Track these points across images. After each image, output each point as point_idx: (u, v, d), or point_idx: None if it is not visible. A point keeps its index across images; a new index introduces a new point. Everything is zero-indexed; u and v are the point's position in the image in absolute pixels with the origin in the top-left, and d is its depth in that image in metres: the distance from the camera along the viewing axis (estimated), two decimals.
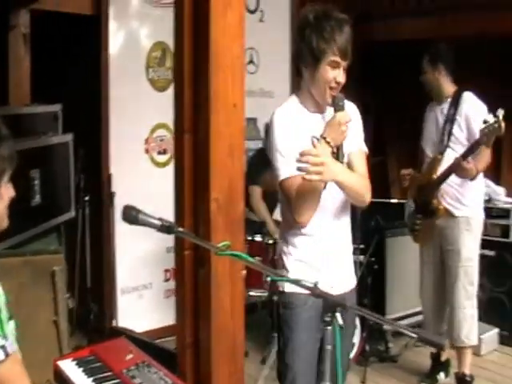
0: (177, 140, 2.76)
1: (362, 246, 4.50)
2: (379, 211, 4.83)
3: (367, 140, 2.64)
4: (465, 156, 3.73)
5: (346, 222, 2.57)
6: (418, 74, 4.15)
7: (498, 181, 5.28)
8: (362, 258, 4.50)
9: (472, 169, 3.77)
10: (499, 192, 5.16)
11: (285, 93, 5.91)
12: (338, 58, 2.36)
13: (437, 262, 4.15)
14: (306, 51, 2.39)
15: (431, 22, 5.38)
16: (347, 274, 2.58)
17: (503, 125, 3.47)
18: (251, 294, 4.40)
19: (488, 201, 4.87)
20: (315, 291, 1.78)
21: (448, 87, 4.08)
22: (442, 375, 4.28)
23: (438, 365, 4.29)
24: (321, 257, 2.46)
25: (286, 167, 2.38)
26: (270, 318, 4.59)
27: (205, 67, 2.55)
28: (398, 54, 5.70)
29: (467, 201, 4.00)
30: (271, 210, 4.95)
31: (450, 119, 3.98)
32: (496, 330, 4.74)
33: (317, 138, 2.40)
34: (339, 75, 2.39)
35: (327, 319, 1.83)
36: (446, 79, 4.07)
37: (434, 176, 3.97)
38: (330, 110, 2.45)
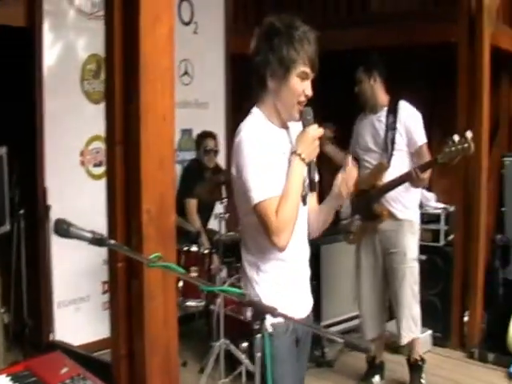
0: (108, 152, 2.77)
1: None
2: None
3: None
4: (422, 168, 3.89)
5: (307, 240, 2.47)
6: (348, 84, 4.28)
7: (428, 187, 5.46)
8: None
9: (427, 179, 4.01)
10: (430, 198, 5.35)
11: (220, 104, 6.00)
12: (307, 69, 2.23)
13: (377, 266, 4.28)
14: (275, 61, 2.21)
15: (360, 33, 5.55)
16: (309, 294, 2.49)
17: (472, 145, 3.64)
18: (188, 304, 4.42)
19: (420, 206, 5.04)
20: (243, 299, 1.83)
21: (382, 96, 4.24)
22: (377, 378, 4.41)
23: (373, 368, 4.42)
24: (293, 280, 2.35)
25: (261, 189, 2.18)
26: (207, 328, 4.61)
27: (135, 80, 2.57)
28: (328, 64, 5.83)
29: (410, 204, 4.22)
30: (206, 221, 5.01)
31: (391, 127, 4.13)
32: (429, 332, 4.91)
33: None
34: (308, 88, 2.26)
35: (256, 327, 1.89)
36: (380, 88, 4.23)
37: (379, 182, 4.11)
38: (294, 126, 2.35)
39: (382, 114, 4.21)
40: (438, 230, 5.10)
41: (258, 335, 1.95)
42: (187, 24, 5.83)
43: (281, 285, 2.31)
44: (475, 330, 4.95)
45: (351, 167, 2.36)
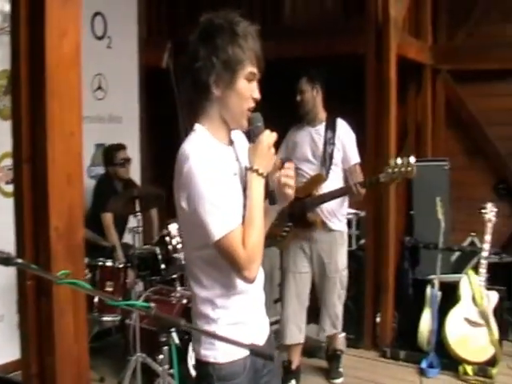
0: (16, 170, 2.75)
1: None
2: None
3: None
4: (362, 184, 4.16)
5: None
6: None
7: None
8: None
9: (363, 194, 4.24)
10: None
11: (134, 118, 5.99)
12: (255, 69, 2.01)
13: (306, 273, 4.46)
14: (219, 64, 1.95)
15: (270, 44, 5.66)
16: (266, 317, 2.26)
17: (415, 169, 3.91)
18: (104, 319, 4.41)
19: None
20: (150, 313, 1.80)
21: (322, 110, 4.45)
22: (293, 382, 4.51)
23: (289, 373, 4.52)
24: (253, 310, 2.14)
25: (221, 223, 1.90)
26: (124, 342, 4.60)
27: (41, 96, 2.57)
28: None
29: (342, 217, 4.45)
30: (120, 234, 5.00)
31: (330, 142, 4.34)
32: (343, 334, 5.05)
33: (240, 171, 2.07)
34: (255, 90, 2.04)
35: (163, 339, 1.92)
36: (320, 101, 4.43)
37: (316, 192, 4.27)
38: (237, 138, 2.13)
39: (321, 128, 4.41)
40: (350, 234, 5.28)
41: (165, 347, 2.01)
42: (100, 38, 5.81)
43: (242, 319, 2.07)
44: (387, 329, 5.15)
45: (288, 167, 2.09)
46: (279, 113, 4.27)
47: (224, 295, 2.04)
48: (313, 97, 4.38)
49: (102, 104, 5.70)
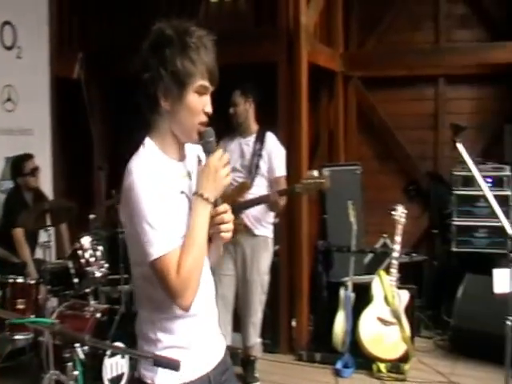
0: None
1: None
2: None
3: None
4: (280, 193, 4.34)
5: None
6: None
7: None
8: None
9: (282, 205, 4.42)
10: None
11: (45, 130, 5.89)
12: (207, 83, 1.89)
13: (231, 276, 4.59)
14: (168, 76, 1.85)
15: None
16: (219, 335, 2.12)
17: (328, 182, 4.14)
18: (17, 337, 4.33)
19: None
20: (53, 329, 1.80)
21: (253, 122, 4.62)
22: None
23: None
24: (200, 336, 1.97)
25: (159, 242, 1.80)
26: (37, 360, 4.53)
27: None
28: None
29: (267, 224, 4.61)
30: (32, 250, 4.93)
31: (257, 154, 4.53)
32: (259, 340, 5.11)
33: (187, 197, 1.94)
34: (208, 104, 1.92)
35: (67, 355, 1.89)
36: (253, 114, 4.60)
37: (241, 199, 4.42)
38: (191, 156, 2.03)
39: (251, 140, 4.59)
40: None
41: (69, 363, 1.99)
42: (10, 48, 5.67)
43: (186, 345, 1.93)
44: (303, 333, 5.28)
45: (222, 210, 1.94)
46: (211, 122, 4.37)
47: (167, 318, 1.91)
48: (245, 110, 4.57)
49: (12, 116, 5.57)
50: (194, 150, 2.03)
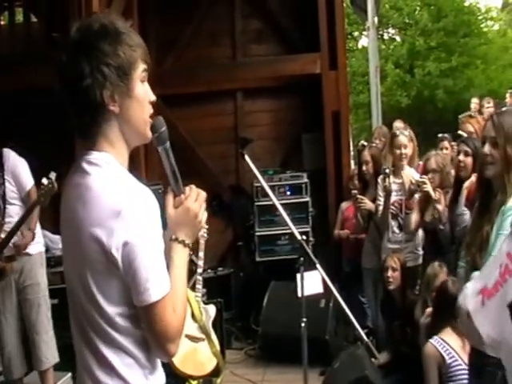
0: None
1: None
2: None
3: None
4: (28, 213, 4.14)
5: None
6: None
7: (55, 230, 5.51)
8: None
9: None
10: (57, 241, 5.39)
11: None
12: (146, 65, 1.73)
13: (13, 303, 4.37)
14: (112, 72, 1.65)
15: None
16: None
17: (56, 186, 3.94)
18: None
19: (46, 251, 5.06)
20: None
21: None
22: None
23: None
24: None
25: (161, 281, 1.62)
26: None
27: None
28: None
29: (38, 238, 4.42)
30: None
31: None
32: (69, 374, 4.93)
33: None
34: (149, 91, 1.76)
35: None
36: None
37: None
38: None
39: None
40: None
41: None
42: None
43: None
44: None
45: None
46: None
47: (143, 374, 1.70)
48: None
49: None
50: None
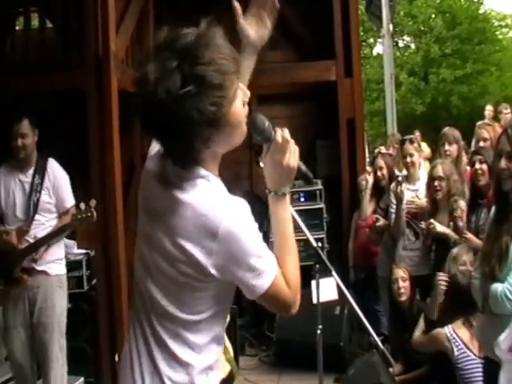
0: None
1: None
2: None
3: None
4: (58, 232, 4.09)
5: None
6: None
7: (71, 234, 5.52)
8: None
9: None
10: (71, 245, 5.40)
11: None
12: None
13: (26, 323, 4.21)
14: (211, 88, 1.57)
15: None
16: None
17: (95, 214, 3.95)
18: None
19: None
20: None
21: (35, 153, 4.26)
22: None
23: None
24: None
25: (268, 267, 1.66)
26: None
27: None
28: None
29: (61, 260, 4.32)
30: None
31: (37, 190, 4.18)
32: (82, 379, 4.94)
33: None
34: (244, 92, 1.73)
35: None
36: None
37: (19, 245, 4.08)
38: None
39: (30, 172, 4.23)
40: (81, 275, 5.19)
41: None
42: None
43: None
44: None
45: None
46: None
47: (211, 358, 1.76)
48: (33, 141, 4.24)
49: None
50: None
